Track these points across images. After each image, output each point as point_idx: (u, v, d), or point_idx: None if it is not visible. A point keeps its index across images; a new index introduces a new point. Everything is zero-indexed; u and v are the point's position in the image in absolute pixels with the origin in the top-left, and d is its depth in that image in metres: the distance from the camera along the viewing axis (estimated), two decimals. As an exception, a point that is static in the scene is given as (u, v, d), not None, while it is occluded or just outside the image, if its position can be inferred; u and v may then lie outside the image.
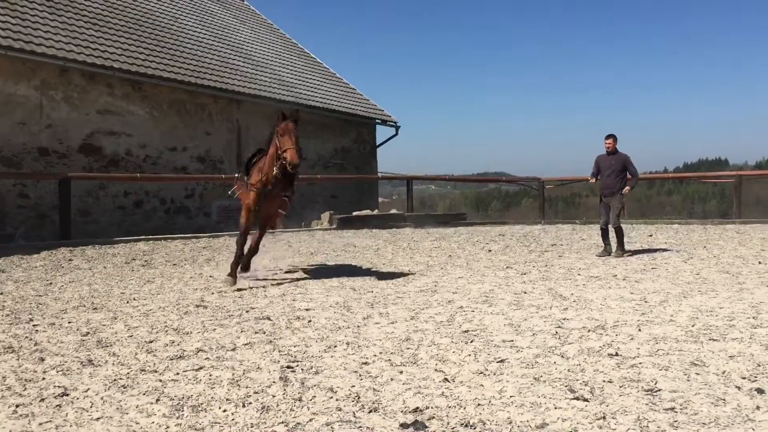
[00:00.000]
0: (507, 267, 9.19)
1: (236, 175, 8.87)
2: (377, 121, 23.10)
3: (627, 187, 10.10)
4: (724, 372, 4.05)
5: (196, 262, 10.03)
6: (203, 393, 3.79)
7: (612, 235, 10.31)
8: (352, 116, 21.94)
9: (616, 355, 4.50)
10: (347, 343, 4.97)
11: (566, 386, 3.85)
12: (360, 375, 4.17)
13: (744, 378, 3.92)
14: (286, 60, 22.94)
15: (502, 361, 4.42)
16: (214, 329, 5.46)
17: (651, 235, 13.51)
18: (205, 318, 5.92)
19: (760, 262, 8.88)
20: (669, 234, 14.00)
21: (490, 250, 11.37)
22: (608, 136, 10.24)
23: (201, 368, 4.30)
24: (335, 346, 4.90)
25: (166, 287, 7.69)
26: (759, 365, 4.16)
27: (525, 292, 7.06)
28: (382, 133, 23.68)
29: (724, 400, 3.55)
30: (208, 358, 4.57)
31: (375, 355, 4.64)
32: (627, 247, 10.46)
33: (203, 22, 21.21)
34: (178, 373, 4.19)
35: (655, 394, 3.68)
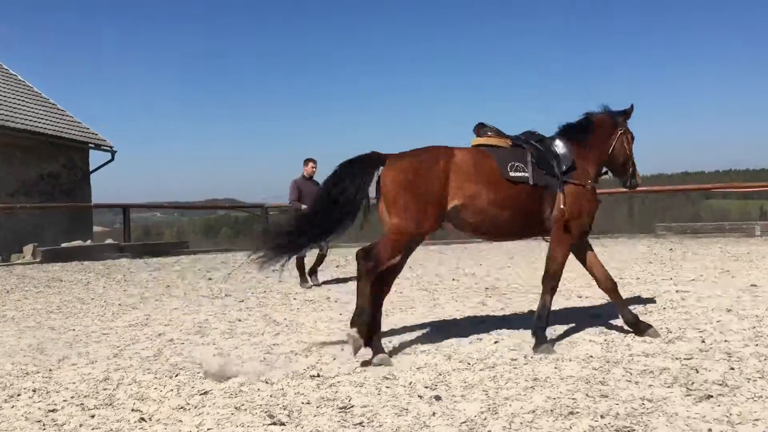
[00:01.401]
0: (226, 295, 9.10)
1: None
2: (91, 145, 21.48)
3: None
4: (410, 383, 4.42)
5: None
6: None
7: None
8: (61, 139, 20.11)
9: (318, 376, 4.68)
10: (34, 390, 4.50)
11: (266, 412, 3.90)
12: (44, 424, 3.80)
13: (426, 387, 4.32)
14: (-21, 75, 20.37)
15: (205, 393, 4.34)
16: None
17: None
18: None
19: (454, 279, 9.91)
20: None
21: (210, 279, 11.17)
22: (310, 160, 10.27)
23: None
24: (19, 395, 4.41)
25: None
26: (440, 374, 4.61)
27: (240, 320, 7.05)
28: (97, 158, 22.06)
29: (407, 409, 3.87)
30: None
31: (65, 401, 4.27)
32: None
33: None
34: None
35: (348, 410, 3.89)
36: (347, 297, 8.46)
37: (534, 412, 3.75)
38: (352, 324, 4.93)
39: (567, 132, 5.60)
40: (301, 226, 5.18)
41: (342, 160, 5.13)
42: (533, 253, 13.79)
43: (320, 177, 10.12)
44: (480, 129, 5.54)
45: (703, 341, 5.18)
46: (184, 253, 16.95)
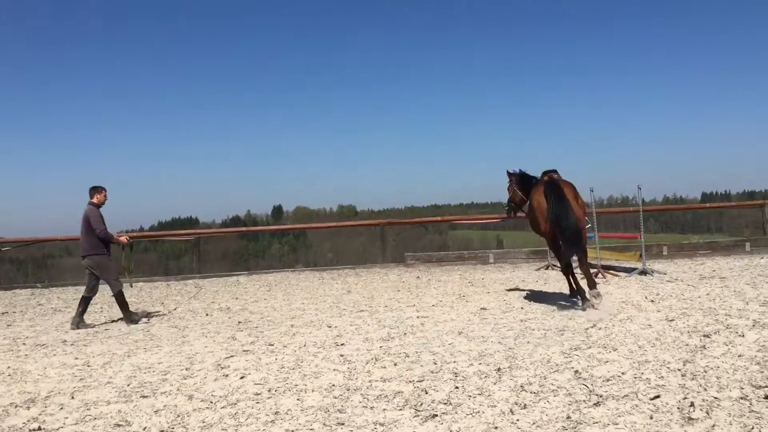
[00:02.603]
0: (-62, 344, 7.90)
1: None
2: None
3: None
4: (145, 428, 4.17)
5: None
6: None
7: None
8: None
9: (39, 429, 4.23)
10: None
11: (-33, 477, 3.42)
12: None
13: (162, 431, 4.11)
14: None
15: None
16: None
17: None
18: None
19: (207, 314, 9.64)
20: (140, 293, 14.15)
21: None
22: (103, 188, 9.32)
23: None
24: None
25: None
26: (179, 416, 4.42)
27: (-49, 372, 6.16)
28: None
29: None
30: None
31: None
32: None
33: None
34: None
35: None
36: (87, 338, 7.83)
37: (271, 446, 3.73)
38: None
39: None
40: None
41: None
42: (290, 285, 13.93)
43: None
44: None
45: (435, 363, 5.58)
46: None
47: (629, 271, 11.89)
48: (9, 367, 6.31)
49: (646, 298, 8.61)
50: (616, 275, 11.60)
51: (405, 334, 7.08)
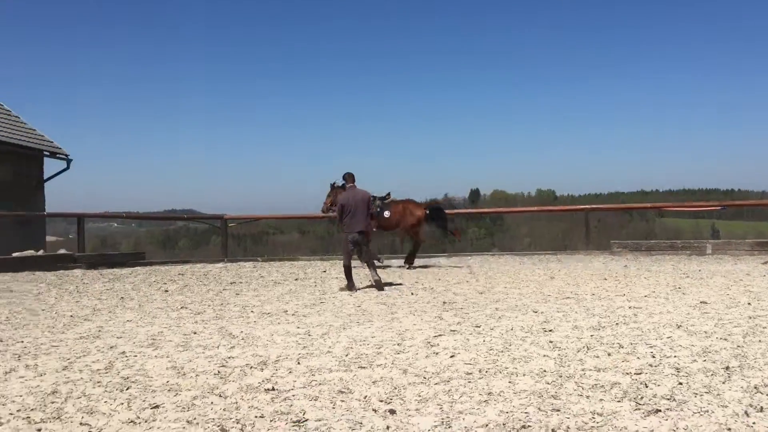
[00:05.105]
0: (182, 307, 8.96)
1: None
2: (45, 153, 21.04)
3: None
4: (365, 397, 4.42)
5: None
6: None
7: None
8: (13, 146, 19.65)
9: (273, 389, 4.64)
10: (-22, 404, 4.37)
11: (218, 426, 3.85)
12: (-13, 439, 3.69)
13: (381, 401, 4.32)
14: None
15: (156, 406, 4.27)
16: None
17: (325, 271, 14.29)
18: None
19: (413, 293, 9.95)
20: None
21: (166, 291, 11.00)
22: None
23: None
24: (-38, 409, 4.28)
25: None
26: (395, 388, 4.62)
27: (195, 333, 6.96)
28: (53, 166, 21.62)
29: (361, 423, 3.86)
30: None
31: (11, 414, 4.16)
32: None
33: None
34: None
35: (301, 424, 3.86)
36: (305, 310, 8.43)
37: (487, 426, 3.78)
38: None
39: None
40: None
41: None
42: (491, 268, 13.93)
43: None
44: None
45: (653, 356, 5.30)
46: (140, 265, 16.68)
47: None
48: (242, 331, 6.98)
49: None
50: None
51: (617, 324, 6.79)
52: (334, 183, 14.31)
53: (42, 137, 21.33)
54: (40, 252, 16.97)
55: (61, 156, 21.33)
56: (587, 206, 19.13)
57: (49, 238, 23.04)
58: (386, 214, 14.08)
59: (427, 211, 14.38)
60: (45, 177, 21.42)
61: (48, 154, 21.16)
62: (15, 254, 15.77)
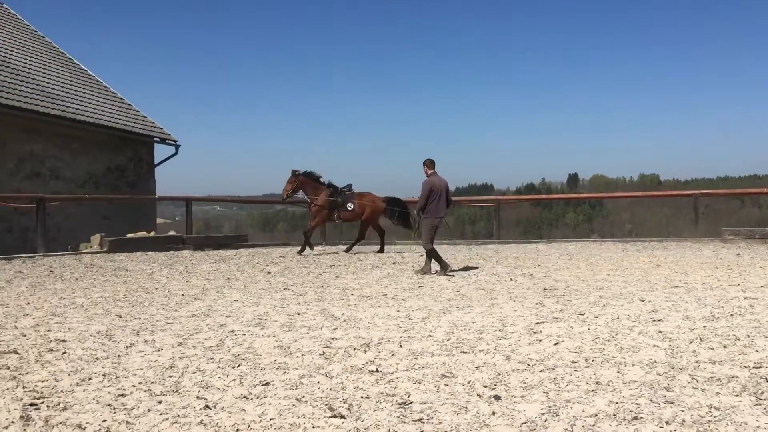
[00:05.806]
0: (284, 288, 9.23)
1: None
2: (156, 139, 22.12)
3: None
4: (469, 382, 4.41)
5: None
6: None
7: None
8: (128, 133, 20.79)
9: (377, 371, 4.71)
10: (104, 375, 4.67)
11: (326, 405, 3.95)
12: (114, 408, 3.94)
13: (485, 387, 4.31)
14: (52, 70, 21.15)
15: (267, 384, 4.43)
16: (-54, 367, 4.84)
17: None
18: (-64, 355, 5.23)
19: (512, 279, 9.83)
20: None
21: (269, 272, 11.36)
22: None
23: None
24: (90, 379, 4.59)
25: None
26: (499, 374, 4.59)
27: (299, 314, 7.15)
28: (161, 151, 22.75)
29: (466, 408, 3.87)
30: (-67, 401, 4.04)
31: (134, 386, 4.42)
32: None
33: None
34: None
35: (407, 406, 3.91)
36: (404, 294, 8.49)
37: (596, 415, 3.69)
38: None
39: None
40: None
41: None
42: (592, 255, 13.56)
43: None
44: None
45: (774, 350, 5.01)
46: (243, 247, 17.29)
47: None
48: (344, 314, 7.12)
49: None
50: None
51: (732, 315, 6.47)
52: (296, 170, 14.89)
53: (152, 124, 22.42)
54: (152, 233, 17.88)
55: (170, 142, 22.37)
56: (696, 191, 18.27)
57: (158, 220, 24.24)
58: (350, 206, 14.76)
59: (386, 204, 15.07)
60: (156, 162, 22.54)
61: (158, 140, 22.23)
62: (129, 235, 16.69)
